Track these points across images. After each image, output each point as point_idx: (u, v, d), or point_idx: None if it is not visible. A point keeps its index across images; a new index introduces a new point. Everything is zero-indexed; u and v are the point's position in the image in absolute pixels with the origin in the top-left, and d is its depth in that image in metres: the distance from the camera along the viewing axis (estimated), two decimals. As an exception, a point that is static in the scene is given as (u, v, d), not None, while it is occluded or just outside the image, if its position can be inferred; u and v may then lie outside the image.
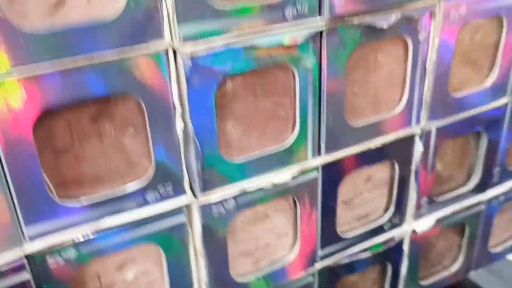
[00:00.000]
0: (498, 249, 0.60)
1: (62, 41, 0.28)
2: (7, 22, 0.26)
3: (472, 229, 0.55)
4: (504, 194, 0.55)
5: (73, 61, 0.28)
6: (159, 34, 0.30)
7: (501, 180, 0.54)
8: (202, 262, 0.39)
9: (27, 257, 0.32)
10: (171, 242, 0.37)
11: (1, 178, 0.29)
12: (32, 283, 0.33)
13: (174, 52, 0.31)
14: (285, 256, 0.44)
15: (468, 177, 0.53)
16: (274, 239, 0.43)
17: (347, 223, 0.47)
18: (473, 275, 0.61)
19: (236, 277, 0.42)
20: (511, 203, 0.57)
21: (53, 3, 0.27)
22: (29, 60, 0.27)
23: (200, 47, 0.32)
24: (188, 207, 0.37)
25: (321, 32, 0.36)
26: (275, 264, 0.44)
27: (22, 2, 0.26)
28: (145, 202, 0.35)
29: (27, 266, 0.32)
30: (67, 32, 0.28)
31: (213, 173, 0.36)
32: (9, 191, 0.30)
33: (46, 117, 0.30)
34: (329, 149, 0.41)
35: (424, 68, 0.42)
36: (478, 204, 0.54)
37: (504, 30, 0.46)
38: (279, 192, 0.40)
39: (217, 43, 0.32)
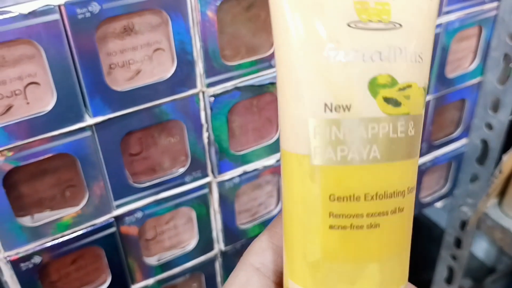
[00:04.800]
0: (427, 199, 0.81)
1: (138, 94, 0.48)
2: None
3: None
4: (430, 161, 0.76)
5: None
6: (194, 85, 0.50)
7: (428, 151, 0.75)
8: (219, 217, 0.60)
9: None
10: (199, 205, 0.58)
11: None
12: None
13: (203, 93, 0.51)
14: (272, 210, 0.65)
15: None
16: (265, 199, 0.64)
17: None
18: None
19: (240, 226, 0.63)
20: (435, 167, 0.78)
21: (134, 73, 0.47)
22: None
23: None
24: (209, 183, 0.57)
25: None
26: (266, 216, 0.65)
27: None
28: (184, 182, 0.56)
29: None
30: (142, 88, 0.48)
31: (225, 162, 0.56)
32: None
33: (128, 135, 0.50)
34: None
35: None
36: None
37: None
38: (267, 169, 0.60)
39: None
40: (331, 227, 0.24)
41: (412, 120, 0.23)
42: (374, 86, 0.22)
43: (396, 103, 0.22)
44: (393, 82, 0.22)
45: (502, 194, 0.78)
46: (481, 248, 1.22)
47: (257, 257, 0.29)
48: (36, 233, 0.49)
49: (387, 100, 0.22)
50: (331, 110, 0.22)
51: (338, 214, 0.23)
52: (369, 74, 0.22)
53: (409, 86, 0.23)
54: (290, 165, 0.24)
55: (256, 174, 0.59)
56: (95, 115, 0.46)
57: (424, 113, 0.24)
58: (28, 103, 0.44)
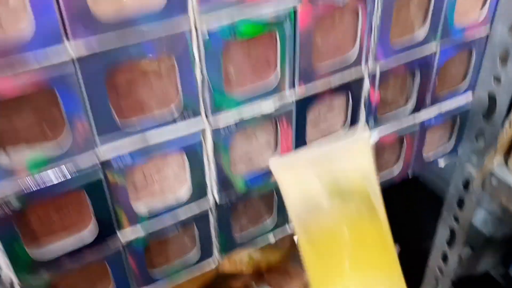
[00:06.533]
0: (431, 156, 0.78)
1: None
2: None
3: (411, 140, 0.73)
4: (434, 116, 0.72)
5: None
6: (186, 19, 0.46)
7: (432, 104, 0.71)
8: (213, 166, 0.57)
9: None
10: (193, 153, 0.54)
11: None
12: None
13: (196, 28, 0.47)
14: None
15: (407, 101, 0.70)
16: (261, 150, 0.61)
17: (315, 138, 0.64)
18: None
19: (232, 176, 0.59)
20: (439, 123, 0.74)
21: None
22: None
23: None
24: (203, 131, 0.53)
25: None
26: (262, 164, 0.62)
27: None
28: (175, 121, 0.51)
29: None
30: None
31: (220, 104, 0.52)
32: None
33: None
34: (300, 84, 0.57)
35: (371, 25, 0.58)
36: (414, 123, 0.71)
37: None
38: (266, 117, 0.57)
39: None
40: None
41: None
42: None
43: None
44: None
45: (508, 152, 0.74)
46: (479, 217, 1.20)
47: None
48: (12, 173, 0.45)
49: None
50: None
51: None
52: None
53: None
54: None
55: (252, 122, 0.56)
56: (77, 45, 0.42)
57: None
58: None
